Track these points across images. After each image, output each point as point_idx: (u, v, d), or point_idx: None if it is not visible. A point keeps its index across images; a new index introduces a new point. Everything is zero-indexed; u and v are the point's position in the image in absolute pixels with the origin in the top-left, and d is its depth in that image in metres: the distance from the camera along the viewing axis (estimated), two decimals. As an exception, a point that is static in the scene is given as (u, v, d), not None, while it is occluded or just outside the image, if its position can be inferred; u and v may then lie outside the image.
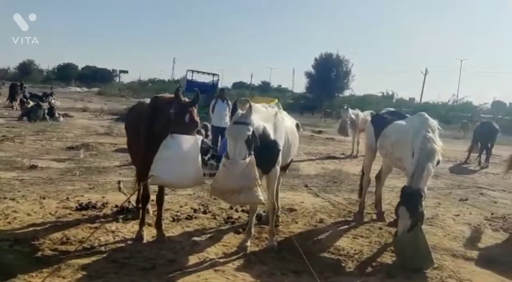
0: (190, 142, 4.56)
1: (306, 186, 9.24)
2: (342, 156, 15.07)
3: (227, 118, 12.18)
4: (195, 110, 4.75)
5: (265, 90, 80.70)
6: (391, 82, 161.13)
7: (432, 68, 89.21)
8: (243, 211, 6.65)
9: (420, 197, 4.87)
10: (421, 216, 4.88)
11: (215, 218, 6.30)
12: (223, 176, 4.36)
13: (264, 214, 6.45)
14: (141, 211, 5.39)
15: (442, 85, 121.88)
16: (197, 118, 4.72)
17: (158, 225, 5.22)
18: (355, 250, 5.44)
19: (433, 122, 5.53)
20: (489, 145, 14.76)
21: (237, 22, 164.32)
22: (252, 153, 4.36)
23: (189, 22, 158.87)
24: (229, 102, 12.48)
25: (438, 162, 5.52)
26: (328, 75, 57.00)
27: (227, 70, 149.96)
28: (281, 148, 5.05)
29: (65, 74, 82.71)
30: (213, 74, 26.66)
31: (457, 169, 14.10)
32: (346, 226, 6.50)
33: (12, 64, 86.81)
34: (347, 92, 60.74)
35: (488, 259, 5.43)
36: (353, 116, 15.12)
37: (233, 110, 4.52)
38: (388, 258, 5.21)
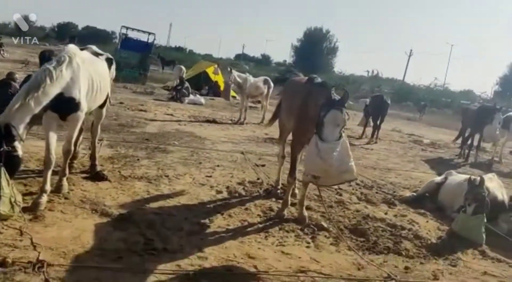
0: None
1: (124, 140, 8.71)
2: (229, 121, 14.43)
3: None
4: None
5: (264, 64, 79.55)
6: (375, 61, 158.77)
7: (417, 50, 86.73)
8: None
9: (9, 135, 4.21)
10: (10, 159, 4.23)
11: None
12: None
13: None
14: None
15: (426, 69, 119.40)
16: None
17: None
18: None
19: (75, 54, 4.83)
20: (378, 120, 13.91)
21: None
22: None
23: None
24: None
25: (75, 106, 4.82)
26: (314, 50, 55.55)
27: (226, 40, 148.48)
28: None
29: (65, 32, 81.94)
30: (149, 33, 25.73)
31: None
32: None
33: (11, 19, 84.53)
34: (331, 69, 59.38)
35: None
36: (239, 80, 14.28)
37: None
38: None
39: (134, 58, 24.20)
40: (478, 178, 5.83)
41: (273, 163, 8.45)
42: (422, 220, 6.18)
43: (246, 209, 5.65)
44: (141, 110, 13.75)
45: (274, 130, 13.50)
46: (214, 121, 13.83)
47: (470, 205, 5.68)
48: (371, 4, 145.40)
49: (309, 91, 5.16)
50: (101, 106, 5.95)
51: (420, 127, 23.80)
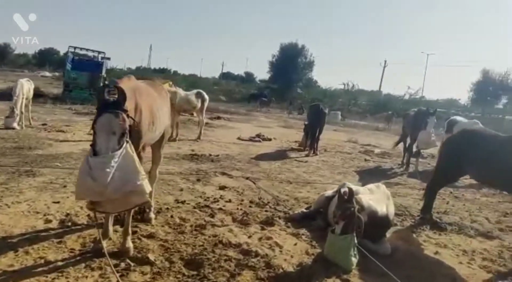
0: None
1: None
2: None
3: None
4: None
5: (248, 81, 79.58)
6: (350, 73, 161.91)
7: (392, 61, 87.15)
8: None
9: None
10: None
11: None
12: None
13: None
14: None
15: (403, 79, 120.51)
16: None
17: None
18: None
19: None
20: (316, 131, 12.94)
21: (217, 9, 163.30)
22: None
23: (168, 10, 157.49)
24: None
25: None
26: (290, 65, 54.97)
27: (208, 59, 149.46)
28: None
29: (46, 59, 79.97)
30: (98, 52, 24.83)
31: (275, 155, 12.51)
32: None
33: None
34: (315, 83, 59.17)
35: None
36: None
37: None
38: None
39: (84, 79, 23.26)
40: (347, 190, 4.82)
41: (167, 182, 7.49)
42: (290, 243, 5.16)
43: (61, 242, 4.58)
44: (59, 131, 12.69)
45: (204, 147, 12.63)
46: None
47: (338, 223, 4.68)
48: (344, 17, 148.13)
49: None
50: None
51: (384, 137, 22.91)
